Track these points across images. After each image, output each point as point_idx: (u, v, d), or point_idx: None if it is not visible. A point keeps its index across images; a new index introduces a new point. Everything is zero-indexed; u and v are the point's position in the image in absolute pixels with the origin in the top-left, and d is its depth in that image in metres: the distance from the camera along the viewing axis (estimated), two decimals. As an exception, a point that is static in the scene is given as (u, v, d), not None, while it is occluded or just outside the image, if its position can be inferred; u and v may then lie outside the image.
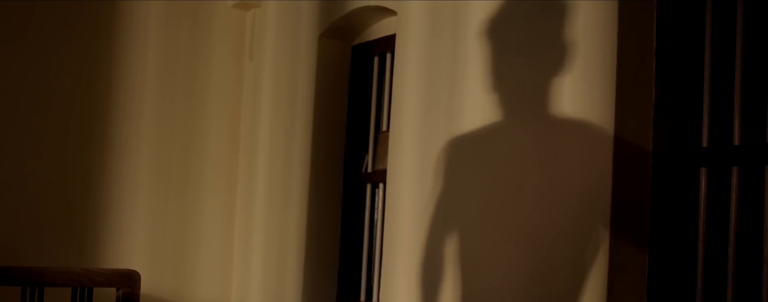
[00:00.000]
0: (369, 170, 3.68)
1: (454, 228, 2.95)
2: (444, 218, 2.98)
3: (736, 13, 2.43)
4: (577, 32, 2.61)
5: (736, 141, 2.39)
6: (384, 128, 3.64)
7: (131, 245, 3.87)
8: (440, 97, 3.05)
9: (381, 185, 3.56)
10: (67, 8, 3.77)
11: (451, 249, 2.94)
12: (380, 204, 3.59)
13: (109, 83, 3.85)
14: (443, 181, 3.00)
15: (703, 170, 2.46)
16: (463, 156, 2.94)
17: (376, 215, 3.63)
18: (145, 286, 3.78)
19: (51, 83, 3.72)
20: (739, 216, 2.38)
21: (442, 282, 2.96)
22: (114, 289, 3.42)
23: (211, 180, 4.07)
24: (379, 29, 3.65)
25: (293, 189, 3.77)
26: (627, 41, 2.52)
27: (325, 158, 3.74)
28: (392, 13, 3.43)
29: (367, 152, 3.73)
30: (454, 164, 2.96)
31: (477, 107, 2.88)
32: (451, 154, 2.98)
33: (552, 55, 2.67)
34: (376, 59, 3.71)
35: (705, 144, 2.47)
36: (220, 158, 4.10)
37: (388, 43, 3.57)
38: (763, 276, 2.30)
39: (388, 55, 3.60)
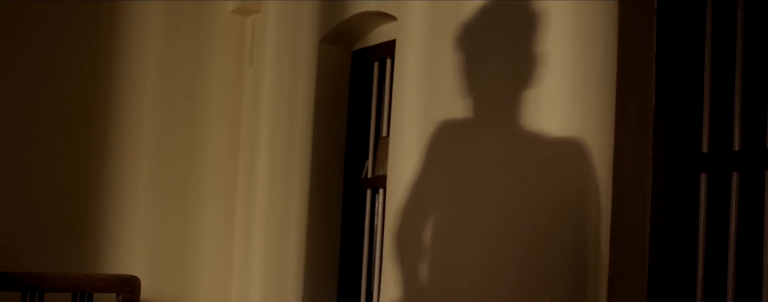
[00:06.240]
0: (369, 175, 3.68)
1: (455, 233, 2.94)
2: (445, 224, 2.98)
3: (737, 18, 2.43)
4: (578, 35, 2.61)
5: (736, 147, 2.39)
6: (384, 133, 3.64)
7: (131, 250, 3.86)
8: (440, 102, 3.05)
9: (381, 191, 3.56)
10: (64, 21, 3.77)
11: (449, 254, 2.94)
12: (380, 210, 3.59)
13: (109, 89, 3.85)
14: (441, 184, 3.00)
15: (704, 176, 2.46)
16: (459, 159, 2.94)
17: (376, 221, 3.63)
18: (145, 292, 3.77)
19: (50, 88, 3.72)
20: (739, 222, 2.38)
21: (440, 287, 2.95)
22: (114, 294, 3.42)
23: (211, 186, 4.07)
24: (379, 35, 3.65)
25: (293, 195, 3.77)
26: (627, 46, 2.52)
27: (325, 163, 3.74)
28: (392, 18, 3.43)
29: (367, 157, 3.72)
30: (455, 166, 2.96)
31: (479, 112, 2.88)
32: (448, 155, 2.98)
33: (542, 59, 2.67)
34: (376, 65, 3.71)
35: (705, 150, 2.47)
36: (220, 164, 4.10)
37: (388, 49, 3.57)
38: (763, 282, 2.29)
39: (388, 61, 3.60)
